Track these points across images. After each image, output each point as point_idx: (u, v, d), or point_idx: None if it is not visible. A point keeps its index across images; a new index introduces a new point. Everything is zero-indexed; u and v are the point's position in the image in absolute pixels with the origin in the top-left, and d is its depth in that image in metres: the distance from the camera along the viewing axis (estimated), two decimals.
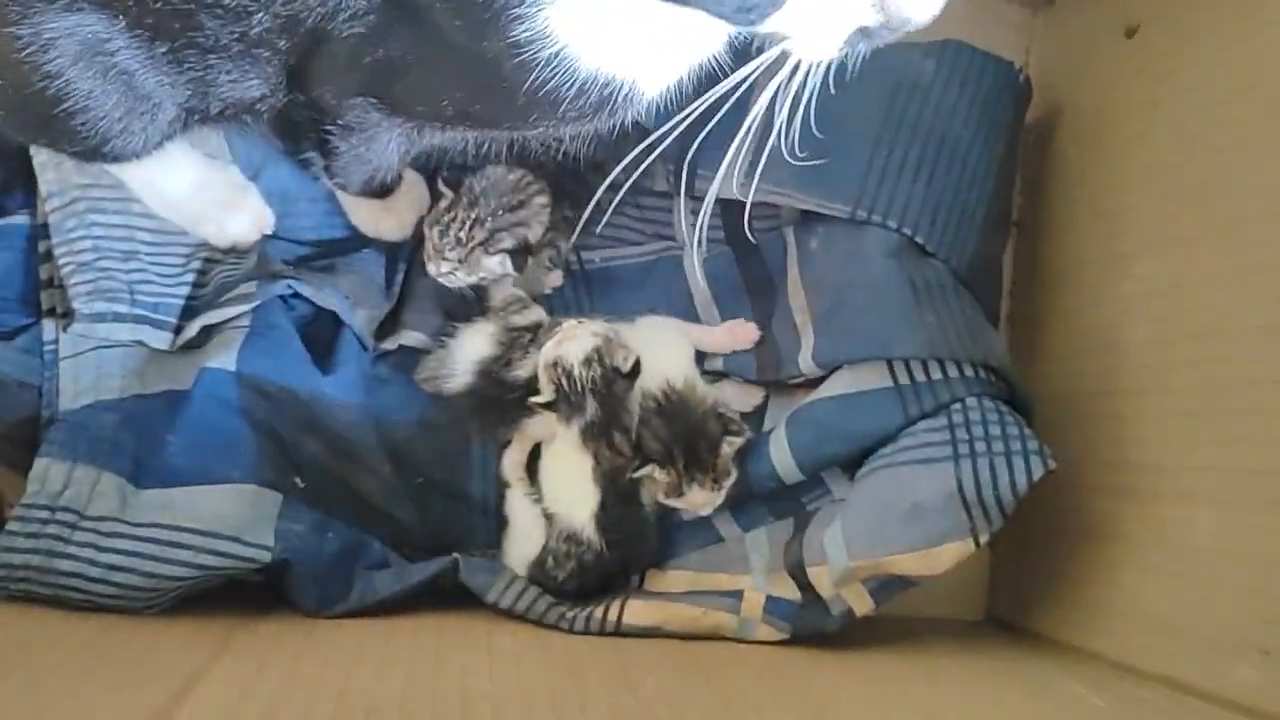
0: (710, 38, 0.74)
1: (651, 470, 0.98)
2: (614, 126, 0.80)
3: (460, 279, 1.03)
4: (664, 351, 1.02)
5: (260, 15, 0.73)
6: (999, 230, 1.07)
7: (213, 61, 0.79)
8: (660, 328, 1.05)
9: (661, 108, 0.78)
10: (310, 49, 0.78)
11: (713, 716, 0.78)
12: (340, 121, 0.86)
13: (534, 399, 0.99)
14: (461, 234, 1.00)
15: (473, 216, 1.00)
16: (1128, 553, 0.93)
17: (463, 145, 0.94)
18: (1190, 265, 0.89)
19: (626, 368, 0.98)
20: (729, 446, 0.98)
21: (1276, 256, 0.81)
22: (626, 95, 0.74)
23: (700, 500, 0.99)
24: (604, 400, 0.97)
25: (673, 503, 1.00)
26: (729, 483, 0.99)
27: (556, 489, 1.01)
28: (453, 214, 1.01)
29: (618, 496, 0.99)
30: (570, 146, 0.88)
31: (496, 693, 0.80)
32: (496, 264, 1.01)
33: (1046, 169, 1.12)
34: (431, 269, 1.03)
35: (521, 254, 1.01)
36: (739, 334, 1.06)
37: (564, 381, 0.97)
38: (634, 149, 0.79)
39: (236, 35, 0.75)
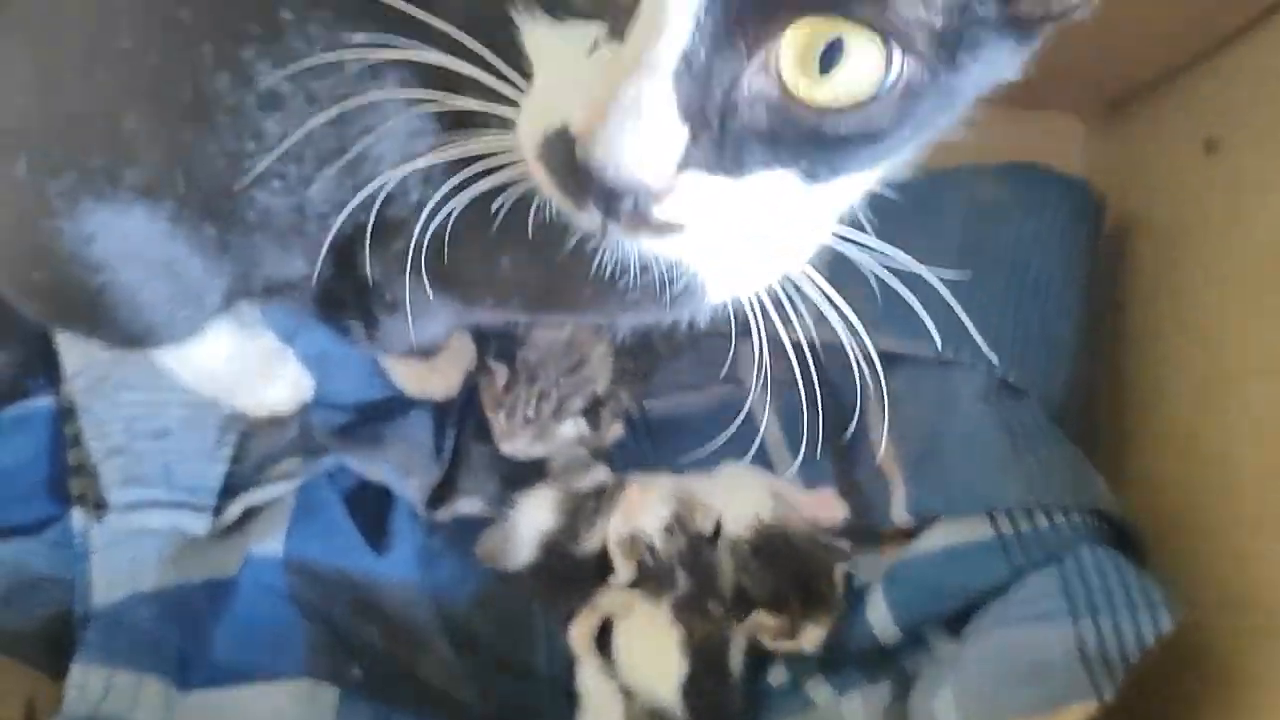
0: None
1: (757, 617, 0.90)
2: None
3: (539, 451, 0.97)
4: (748, 496, 0.96)
5: (318, 188, 0.67)
6: (1091, 360, 1.01)
7: (258, 241, 0.73)
8: (741, 475, 0.99)
9: None
10: (364, 226, 0.73)
11: None
12: (388, 297, 0.80)
13: (614, 578, 0.91)
14: (529, 412, 0.95)
15: (536, 391, 0.95)
16: (1265, 698, 0.85)
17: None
18: None
19: (710, 529, 0.92)
20: (839, 575, 0.92)
21: None
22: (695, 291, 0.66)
23: (814, 638, 0.91)
24: (694, 569, 0.90)
25: (781, 645, 0.92)
26: (839, 614, 0.92)
27: (637, 663, 0.93)
28: (514, 393, 0.96)
29: (707, 666, 0.91)
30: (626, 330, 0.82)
31: None
32: (571, 427, 0.96)
33: (1125, 282, 1.06)
34: (506, 448, 0.98)
35: (594, 410, 0.95)
36: (825, 506, 0.99)
37: (648, 558, 0.90)
38: None
39: (290, 207, 0.69)
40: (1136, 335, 1.06)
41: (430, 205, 0.61)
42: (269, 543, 0.91)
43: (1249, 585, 0.88)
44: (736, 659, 0.94)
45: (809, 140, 0.47)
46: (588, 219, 0.50)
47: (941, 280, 0.93)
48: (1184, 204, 1.00)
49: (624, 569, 0.92)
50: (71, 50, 0.66)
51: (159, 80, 0.64)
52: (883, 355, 0.97)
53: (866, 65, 0.44)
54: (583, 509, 0.95)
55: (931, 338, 0.92)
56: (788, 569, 0.91)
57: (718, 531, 0.92)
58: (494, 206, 0.60)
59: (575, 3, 0.47)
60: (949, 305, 0.92)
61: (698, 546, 0.91)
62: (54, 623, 0.90)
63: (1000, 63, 0.50)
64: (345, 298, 0.86)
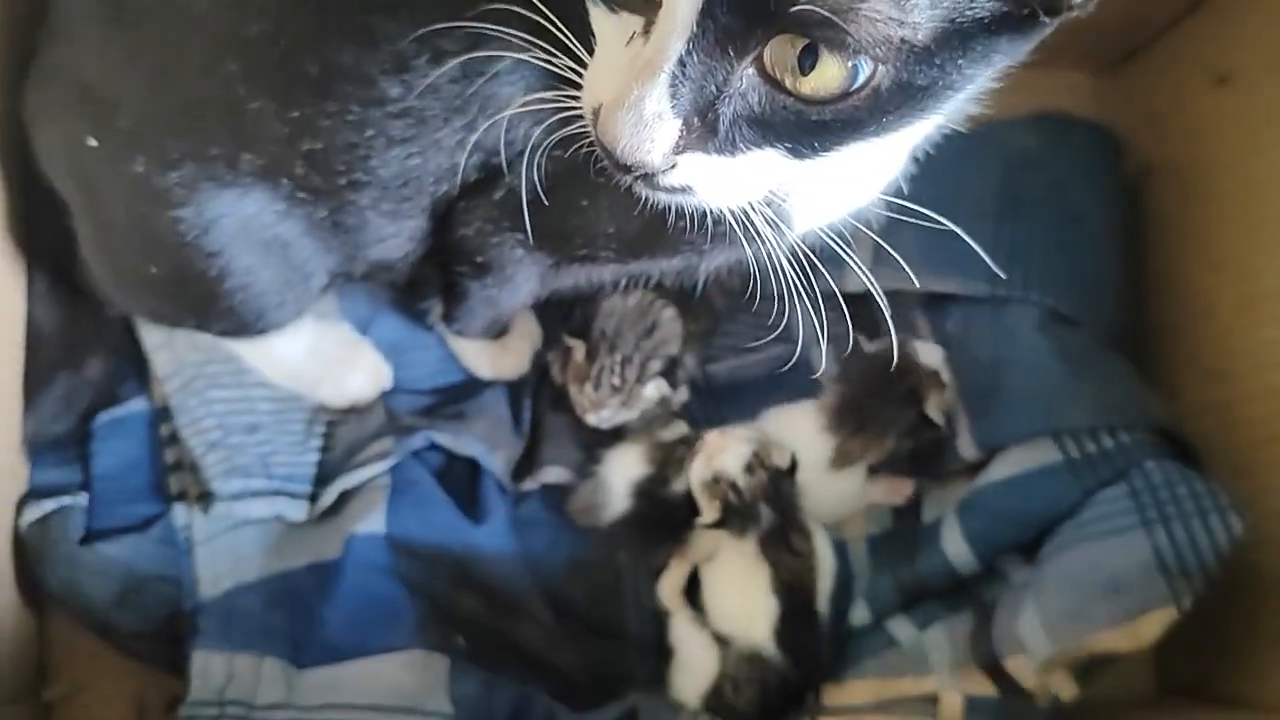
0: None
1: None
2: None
3: (625, 417, 1.01)
4: (802, 436, 1.01)
5: (438, 150, 0.72)
6: (1134, 293, 1.07)
7: (370, 219, 0.77)
8: (788, 413, 1.04)
9: None
10: (468, 190, 0.77)
11: None
12: (479, 259, 0.84)
13: (700, 520, 0.95)
14: (615, 380, 0.99)
15: (619, 359, 0.98)
16: None
17: (586, 286, 0.93)
18: None
19: (786, 464, 0.96)
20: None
21: None
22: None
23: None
24: (774, 504, 0.94)
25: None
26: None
27: (730, 608, 0.96)
28: (597, 364, 0.99)
29: (796, 606, 0.95)
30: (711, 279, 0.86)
31: None
32: (653, 389, 0.99)
33: (1145, 228, 1.12)
34: (592, 419, 1.01)
35: (671, 370, 1.00)
36: (896, 488, 1.04)
37: (732, 497, 0.94)
38: None
39: (409, 174, 0.73)
40: (1161, 275, 1.11)
41: (533, 143, 0.68)
42: (371, 522, 0.94)
43: None
44: (823, 601, 0.97)
45: (795, 125, 0.54)
46: (621, 178, 0.59)
47: (986, 222, 0.99)
48: (1198, 141, 1.06)
49: (709, 510, 0.95)
50: (196, 44, 0.69)
51: (287, 60, 0.68)
52: (937, 297, 1.04)
53: (833, 70, 0.51)
54: (670, 455, 0.99)
55: (982, 278, 0.98)
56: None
57: (794, 467, 0.96)
58: (583, 153, 0.66)
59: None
60: (994, 244, 0.98)
61: (777, 481, 0.95)
62: (164, 621, 0.92)
63: (999, 55, 0.56)
64: (429, 276, 0.90)
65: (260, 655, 0.88)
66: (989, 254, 0.97)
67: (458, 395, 1.04)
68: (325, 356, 0.98)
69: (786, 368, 1.06)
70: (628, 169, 0.56)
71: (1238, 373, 1.00)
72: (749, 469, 0.95)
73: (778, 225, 0.66)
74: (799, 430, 1.01)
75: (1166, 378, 1.09)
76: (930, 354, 0.99)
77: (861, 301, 1.00)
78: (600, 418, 1.01)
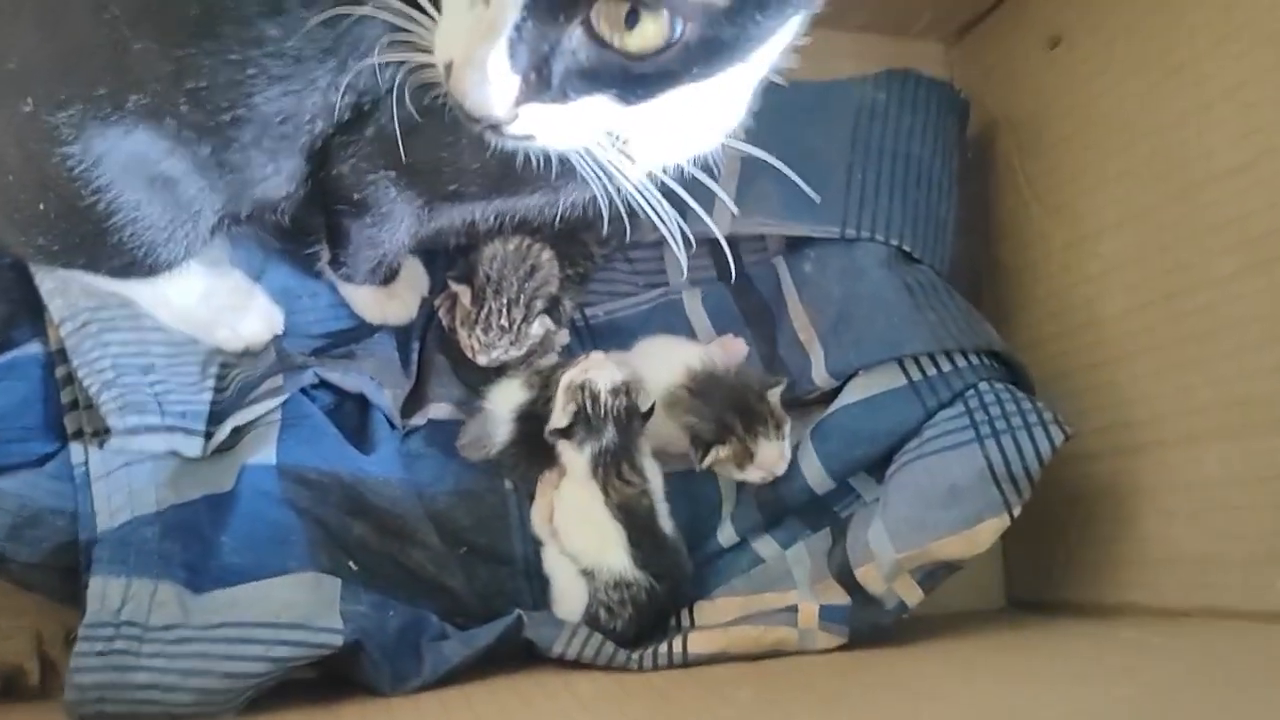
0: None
1: (716, 453, 1.01)
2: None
3: (515, 355, 1.06)
4: (672, 355, 1.07)
5: (313, 91, 0.77)
6: (968, 234, 1.16)
7: (253, 156, 0.82)
8: (657, 342, 1.11)
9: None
10: (343, 130, 0.83)
11: (819, 712, 0.81)
12: (355, 196, 0.89)
13: (550, 424, 1.01)
14: (504, 322, 1.04)
15: (504, 301, 1.04)
16: (1146, 502, 1.00)
17: (468, 224, 0.98)
18: (1154, 234, 0.99)
19: (645, 408, 1.02)
20: (774, 395, 1.03)
21: (1233, 211, 0.91)
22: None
23: (773, 455, 1.02)
24: (622, 430, 1.01)
25: (749, 475, 1.03)
26: (789, 429, 1.03)
27: (581, 539, 1.02)
28: (483, 308, 1.04)
29: (641, 529, 1.01)
30: (570, 213, 0.93)
31: None
32: (538, 327, 1.06)
33: (993, 178, 1.22)
34: (482, 359, 1.06)
35: (554, 307, 1.06)
36: (730, 348, 1.11)
37: (588, 405, 1.00)
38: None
39: (287, 112, 0.79)
40: (1006, 222, 1.21)
41: (397, 84, 0.75)
42: (262, 454, 0.98)
43: (1120, 408, 1.03)
44: (665, 522, 1.03)
45: (619, 76, 0.63)
46: (470, 128, 0.66)
47: (837, 170, 1.07)
48: (1037, 98, 1.16)
49: (562, 413, 1.01)
50: None
51: (169, 2, 0.73)
52: (789, 243, 1.12)
53: (653, 28, 0.60)
54: (550, 378, 1.04)
55: (834, 221, 1.06)
56: (727, 399, 1.02)
57: (650, 413, 1.02)
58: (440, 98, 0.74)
59: None
60: (845, 190, 1.07)
61: (631, 413, 1.01)
62: (60, 552, 0.94)
63: (791, 8, 0.65)
64: (311, 219, 0.95)
65: (156, 579, 0.91)
66: (841, 198, 1.07)
67: (347, 339, 1.09)
68: (218, 302, 1.02)
69: (656, 304, 1.14)
70: (476, 120, 0.64)
71: (1069, 306, 1.10)
72: (616, 391, 1.01)
73: (618, 167, 0.74)
74: (667, 357, 1.08)
75: (1011, 313, 1.19)
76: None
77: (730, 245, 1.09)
78: (491, 358, 1.07)
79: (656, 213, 0.75)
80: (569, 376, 1.02)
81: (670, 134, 0.77)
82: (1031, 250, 1.16)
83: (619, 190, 0.74)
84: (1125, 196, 1.02)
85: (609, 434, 1.01)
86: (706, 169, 0.82)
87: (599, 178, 0.72)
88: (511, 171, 0.79)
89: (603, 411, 1.00)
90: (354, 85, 0.79)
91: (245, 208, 0.89)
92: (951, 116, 1.15)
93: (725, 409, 1.02)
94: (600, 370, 1.02)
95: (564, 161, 0.73)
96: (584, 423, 1.01)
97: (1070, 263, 1.10)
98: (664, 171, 0.79)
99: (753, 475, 1.04)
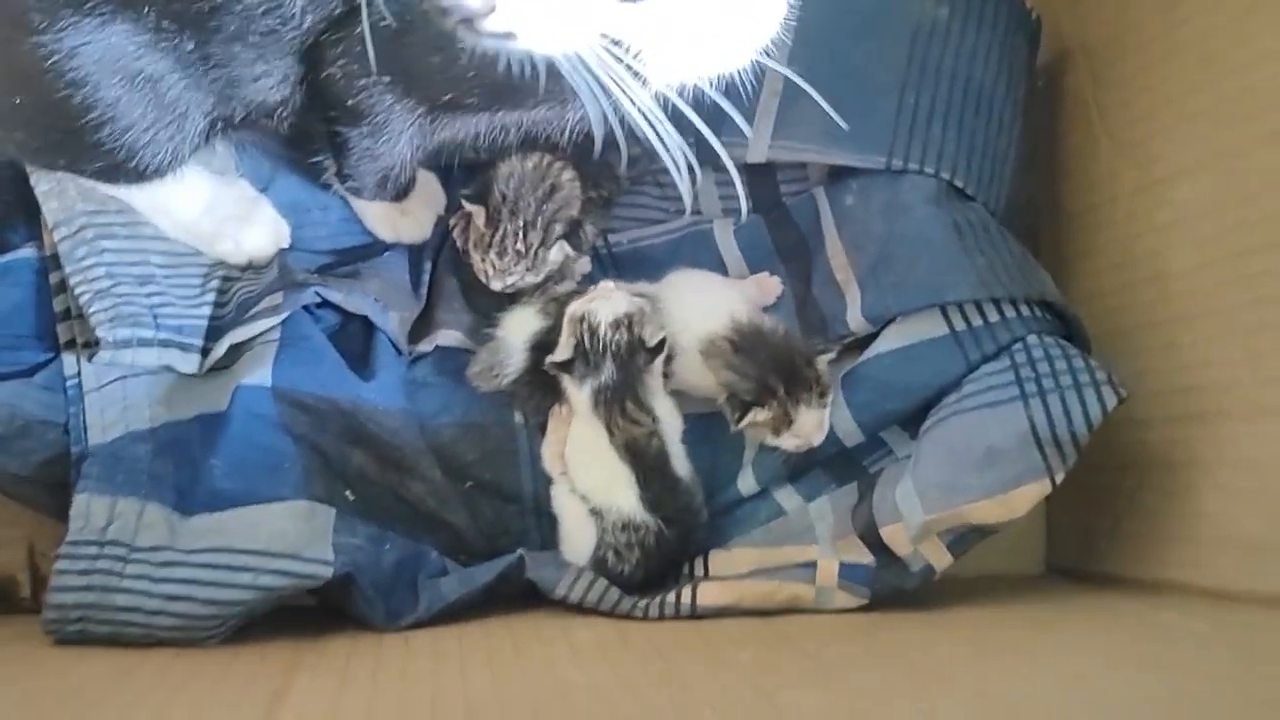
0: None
1: (754, 415, 0.94)
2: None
3: (532, 280, 1.00)
4: (712, 297, 1.00)
5: None
6: (1028, 172, 1.06)
7: (238, 52, 0.77)
8: (693, 278, 1.03)
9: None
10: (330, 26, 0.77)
11: (815, 681, 0.76)
12: (349, 103, 0.84)
13: (550, 357, 0.95)
14: (520, 246, 0.98)
15: (520, 224, 0.97)
16: (1202, 477, 0.92)
17: (474, 138, 0.92)
18: (1234, 182, 0.89)
19: (652, 342, 0.96)
20: (822, 361, 0.95)
21: None
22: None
23: (812, 424, 0.95)
24: (622, 366, 0.95)
25: (783, 441, 0.96)
26: (831, 399, 0.96)
27: (590, 477, 0.97)
28: (498, 230, 0.98)
29: (650, 470, 0.96)
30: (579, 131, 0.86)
31: (592, 682, 0.77)
32: (557, 252, 0.99)
33: (1061, 110, 1.12)
34: (496, 285, 1.00)
35: (575, 232, 0.99)
36: (765, 286, 1.04)
37: (586, 338, 0.94)
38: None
39: (265, 9, 0.73)
40: (1072, 161, 1.11)
41: None
42: (258, 374, 0.94)
43: (1181, 372, 0.95)
44: (680, 465, 0.98)
45: None
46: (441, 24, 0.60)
47: (887, 94, 0.99)
48: (1117, 22, 1.05)
49: (564, 346, 0.95)
50: None
51: None
52: (832, 172, 1.04)
53: None
54: (565, 306, 0.98)
55: (880, 150, 0.98)
56: (772, 359, 0.94)
57: (659, 348, 0.96)
58: None
59: None
60: (895, 117, 0.98)
61: (634, 349, 0.95)
62: (51, 465, 0.92)
63: None
64: (313, 128, 0.89)
65: (144, 500, 0.88)
66: (890, 125, 0.98)
67: (357, 257, 1.04)
68: (222, 212, 0.97)
69: (685, 233, 1.07)
70: (447, 11, 0.57)
71: (1134, 257, 1.01)
72: (617, 325, 0.94)
73: (621, 83, 0.66)
74: (707, 299, 1.01)
75: (1069, 262, 1.10)
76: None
77: (764, 171, 1.01)
78: (505, 284, 1.01)
79: (662, 140, 0.67)
80: (573, 307, 0.96)
81: (687, 46, 0.70)
82: (1097, 193, 1.06)
83: (618, 112, 0.66)
84: (1206, 138, 0.92)
85: (608, 370, 0.95)
86: (733, 91, 0.74)
87: (594, 95, 0.64)
88: (511, 79, 0.72)
89: (601, 346, 0.94)
90: None
91: (238, 111, 0.83)
92: (1021, 38, 1.05)
93: (769, 370, 0.94)
94: (605, 302, 0.95)
95: (554, 73, 0.65)
96: (582, 358, 0.95)
97: (1138, 209, 1.00)
98: (680, 93, 0.71)
99: (787, 443, 0.96)
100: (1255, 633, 0.82)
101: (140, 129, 0.80)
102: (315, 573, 0.88)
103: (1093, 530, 1.06)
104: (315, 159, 0.95)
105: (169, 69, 0.77)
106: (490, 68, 0.72)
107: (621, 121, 0.68)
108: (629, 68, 0.64)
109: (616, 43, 0.63)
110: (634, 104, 0.65)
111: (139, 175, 0.85)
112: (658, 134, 0.66)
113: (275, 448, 0.93)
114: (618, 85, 0.63)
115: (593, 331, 0.94)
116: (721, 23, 0.68)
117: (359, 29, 0.75)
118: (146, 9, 0.73)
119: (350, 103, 0.82)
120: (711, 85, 0.74)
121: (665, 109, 0.70)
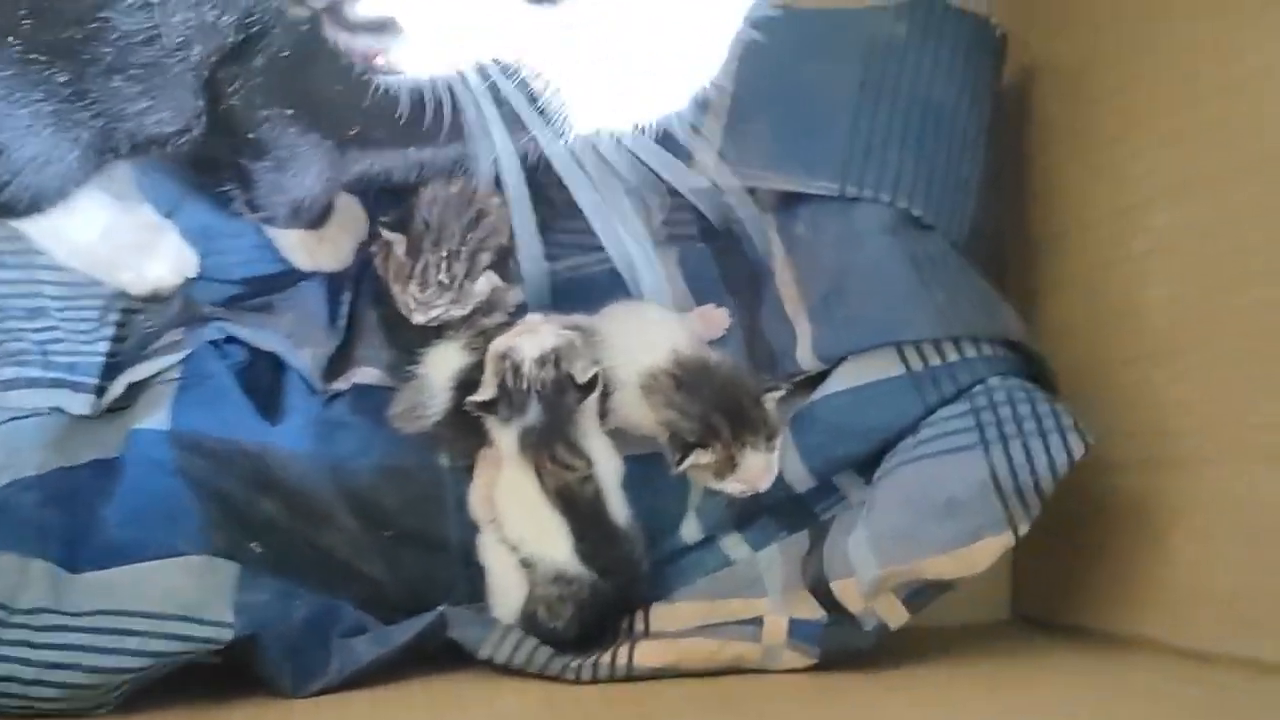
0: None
1: (696, 457, 0.87)
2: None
3: (455, 315, 0.93)
4: (654, 329, 0.94)
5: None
6: (995, 198, 1.00)
7: (119, 85, 0.70)
8: (634, 309, 0.96)
9: None
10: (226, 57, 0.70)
11: None
12: (250, 135, 0.77)
13: (471, 397, 0.88)
14: (443, 277, 0.90)
15: (444, 253, 0.90)
16: (1176, 525, 0.85)
17: (387, 173, 0.87)
18: (1215, 209, 0.82)
19: (583, 379, 0.89)
20: (770, 400, 0.89)
21: None
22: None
23: (758, 468, 0.88)
24: (550, 406, 0.88)
25: (726, 485, 0.89)
26: (780, 441, 0.89)
27: (519, 526, 0.90)
28: (420, 259, 0.91)
29: (585, 518, 0.89)
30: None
31: None
32: (484, 283, 0.92)
33: (1029, 132, 1.06)
34: (419, 318, 0.92)
35: (503, 261, 0.92)
36: (711, 319, 0.98)
37: (510, 376, 0.87)
38: None
39: (146, 34, 0.66)
40: (1041, 185, 1.05)
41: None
42: (155, 417, 0.87)
43: (1156, 412, 0.89)
44: (618, 512, 0.91)
45: None
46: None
47: (840, 115, 0.92)
48: (1088, 39, 0.99)
49: (487, 384, 0.89)
50: None
51: None
52: (783, 199, 0.97)
53: None
54: (493, 339, 0.91)
55: (832, 176, 0.91)
56: (717, 397, 0.88)
57: (591, 385, 0.89)
58: None
59: None
60: (849, 140, 0.92)
61: (563, 388, 0.88)
62: None
63: None
64: (219, 158, 0.83)
65: (27, 556, 0.82)
66: (843, 149, 0.92)
67: (271, 286, 0.96)
68: (121, 239, 0.90)
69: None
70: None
71: (1107, 289, 0.95)
72: (543, 361, 0.88)
73: (548, 119, 0.61)
74: (649, 331, 0.94)
75: (1038, 295, 1.04)
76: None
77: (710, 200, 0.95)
78: (429, 317, 0.93)
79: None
80: (495, 343, 0.89)
81: (617, 85, 0.63)
82: (1067, 220, 1.00)
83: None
84: (1185, 162, 0.86)
85: (534, 410, 0.88)
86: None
87: (486, 132, 0.57)
88: (416, 114, 0.65)
89: (525, 384, 0.87)
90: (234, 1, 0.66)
91: (123, 144, 0.77)
92: (984, 57, 0.98)
93: (713, 408, 0.88)
94: (531, 336, 0.88)
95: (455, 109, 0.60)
96: (506, 398, 0.88)
97: (1112, 237, 0.94)
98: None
99: (731, 487, 0.90)
100: (1234, 697, 0.76)
101: (21, 161, 0.74)
102: (213, 635, 0.81)
103: (1062, 578, 1.00)
104: (222, 188, 0.88)
105: (41, 100, 0.71)
106: (394, 102, 0.66)
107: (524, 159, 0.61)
108: (539, 107, 0.58)
109: (516, 73, 0.56)
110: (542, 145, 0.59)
111: (16, 214, 0.79)
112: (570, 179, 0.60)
113: (172, 496, 0.86)
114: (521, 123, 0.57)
115: (516, 369, 0.87)
116: (654, 64, 0.61)
117: (257, 60, 0.70)
118: (11, 39, 0.67)
119: (252, 135, 0.76)
120: (645, 132, 0.68)
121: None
